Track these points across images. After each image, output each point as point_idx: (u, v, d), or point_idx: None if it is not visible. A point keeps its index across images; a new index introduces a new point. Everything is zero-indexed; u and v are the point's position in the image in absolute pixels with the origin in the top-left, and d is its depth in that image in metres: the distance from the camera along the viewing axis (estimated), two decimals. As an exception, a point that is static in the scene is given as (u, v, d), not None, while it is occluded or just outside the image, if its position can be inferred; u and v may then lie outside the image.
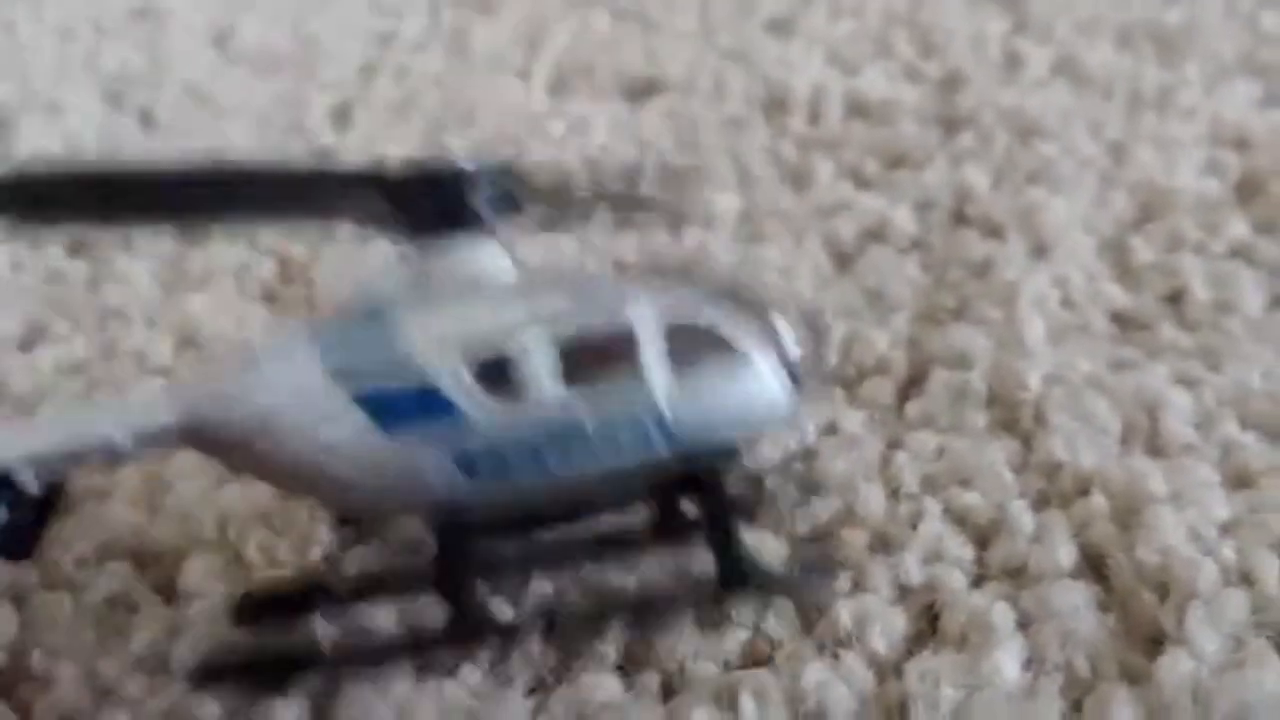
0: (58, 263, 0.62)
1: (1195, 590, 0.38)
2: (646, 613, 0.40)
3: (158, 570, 0.44)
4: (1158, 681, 0.36)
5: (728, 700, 0.37)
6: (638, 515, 0.43)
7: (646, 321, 0.37)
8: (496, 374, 0.37)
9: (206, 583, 0.43)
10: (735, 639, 0.39)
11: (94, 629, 0.42)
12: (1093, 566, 0.40)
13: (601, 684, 0.38)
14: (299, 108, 0.77)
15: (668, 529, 0.42)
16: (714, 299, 0.39)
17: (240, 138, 0.74)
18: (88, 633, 0.42)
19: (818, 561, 0.41)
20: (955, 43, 0.74)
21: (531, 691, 0.39)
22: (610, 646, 0.39)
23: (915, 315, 0.53)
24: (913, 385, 0.49)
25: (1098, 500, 0.42)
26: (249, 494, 0.46)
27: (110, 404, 0.38)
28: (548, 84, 0.77)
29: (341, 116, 0.76)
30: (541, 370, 0.37)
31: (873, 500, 0.43)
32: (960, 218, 0.59)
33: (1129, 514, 0.41)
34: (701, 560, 0.40)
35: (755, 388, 0.38)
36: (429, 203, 0.38)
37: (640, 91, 0.74)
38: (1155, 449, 0.44)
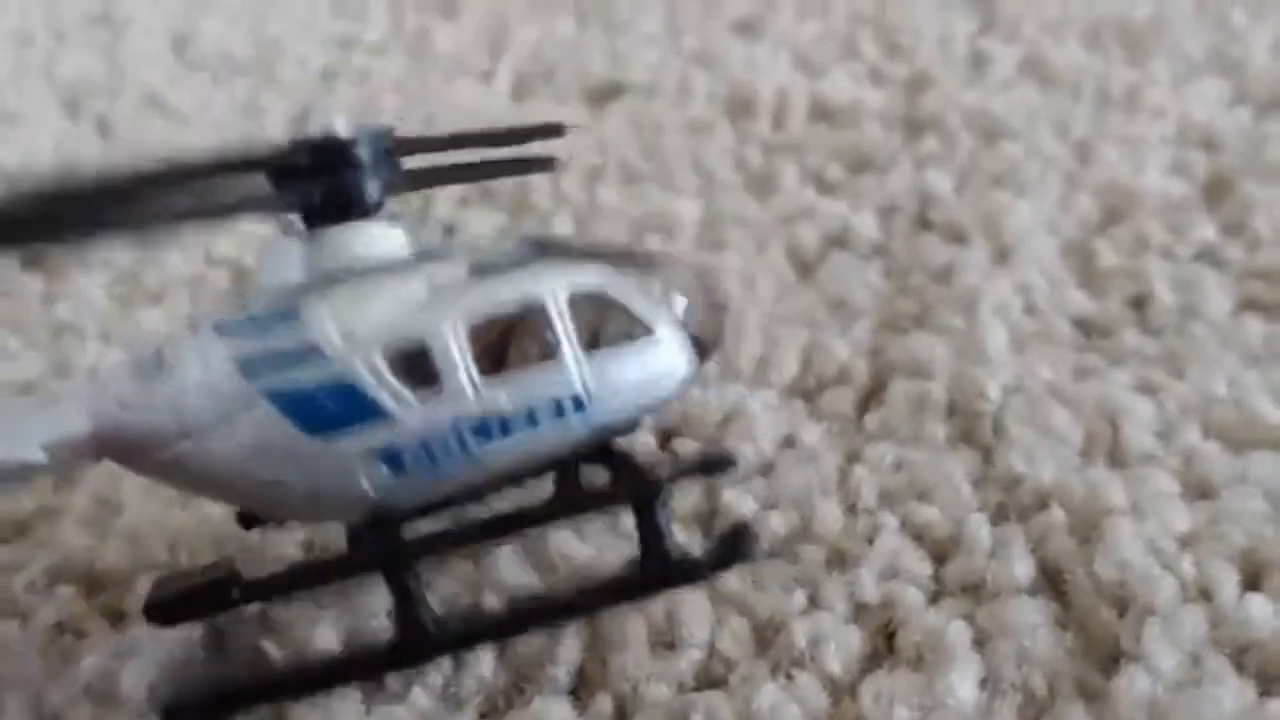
0: (10, 278, 0.61)
1: (1153, 606, 0.37)
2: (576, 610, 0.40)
3: (108, 594, 0.44)
4: (1114, 700, 0.35)
5: (681, 723, 0.37)
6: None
7: (554, 297, 0.37)
8: (413, 364, 0.36)
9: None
10: (689, 659, 0.39)
11: (42, 655, 0.42)
12: (1051, 582, 0.40)
13: (553, 708, 0.38)
14: (259, 114, 0.76)
15: (568, 501, 0.42)
16: (613, 268, 0.38)
17: (200, 145, 0.73)
18: (35, 659, 0.42)
19: (731, 535, 0.41)
20: (922, 43, 0.73)
21: (482, 716, 0.38)
22: (562, 669, 0.39)
23: (877, 323, 0.52)
24: (873, 396, 0.49)
25: (1056, 514, 0.41)
26: (200, 516, 0.45)
27: (15, 419, 0.36)
28: (510, 87, 0.77)
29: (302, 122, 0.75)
30: (459, 359, 0.36)
31: (829, 515, 0.42)
32: (923, 222, 0.58)
33: (1088, 527, 0.40)
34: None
35: (662, 359, 0.39)
36: (317, 181, 0.37)
37: (603, 95, 0.74)
38: (1116, 459, 0.44)
